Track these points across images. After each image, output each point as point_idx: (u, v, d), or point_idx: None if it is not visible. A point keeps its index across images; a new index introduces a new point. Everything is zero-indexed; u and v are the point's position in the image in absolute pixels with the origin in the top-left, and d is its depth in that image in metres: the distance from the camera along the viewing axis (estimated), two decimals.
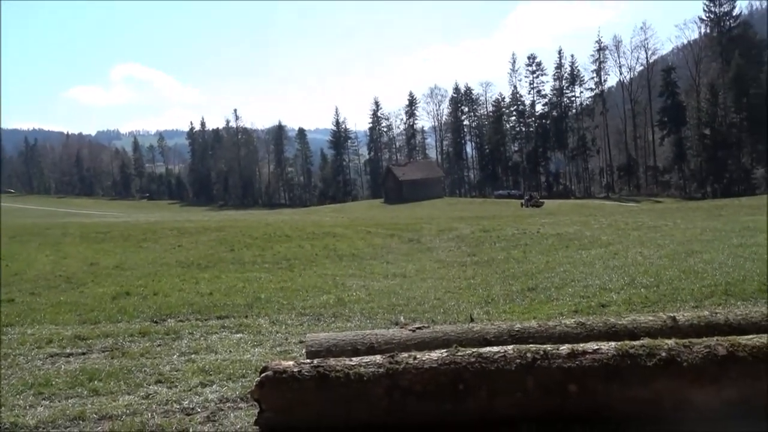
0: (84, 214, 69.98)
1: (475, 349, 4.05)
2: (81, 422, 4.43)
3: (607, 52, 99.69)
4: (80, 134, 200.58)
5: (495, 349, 4.03)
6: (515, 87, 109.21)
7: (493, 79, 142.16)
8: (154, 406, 4.74)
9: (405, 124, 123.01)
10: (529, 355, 3.94)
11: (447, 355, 3.98)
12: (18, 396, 5.14)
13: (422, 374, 3.89)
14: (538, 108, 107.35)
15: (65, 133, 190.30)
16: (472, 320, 5.75)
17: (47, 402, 4.98)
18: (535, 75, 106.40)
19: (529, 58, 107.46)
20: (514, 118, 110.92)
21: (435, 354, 4.03)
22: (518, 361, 3.90)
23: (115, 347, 6.90)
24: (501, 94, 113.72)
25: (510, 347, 4.05)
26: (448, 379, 3.86)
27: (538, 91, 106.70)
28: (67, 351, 6.79)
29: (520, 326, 4.87)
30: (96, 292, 11.35)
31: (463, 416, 3.90)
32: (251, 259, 16.59)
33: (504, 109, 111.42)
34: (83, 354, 6.68)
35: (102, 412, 4.59)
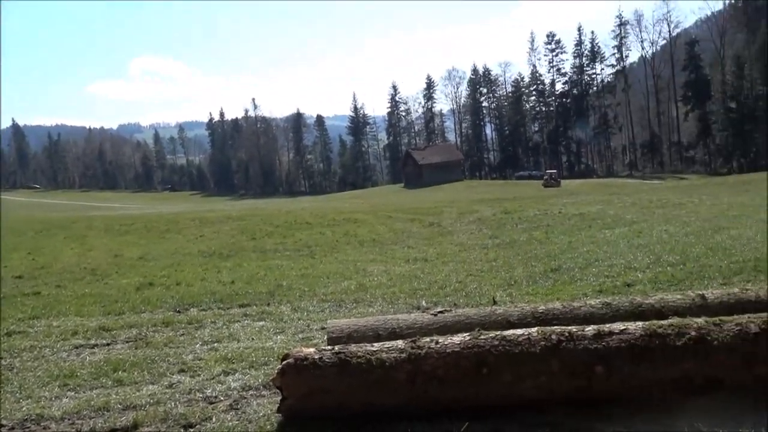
0: (107, 207, 70.97)
1: (498, 332, 3.97)
2: (106, 412, 4.45)
3: (628, 26, 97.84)
4: (102, 128, 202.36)
5: (519, 331, 3.95)
6: (534, 66, 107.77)
7: (511, 59, 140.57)
8: (177, 395, 4.75)
9: (423, 107, 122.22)
10: (554, 337, 3.85)
11: (470, 339, 3.91)
12: (44, 387, 5.18)
13: (445, 358, 3.82)
14: (559, 87, 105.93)
15: (87, 127, 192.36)
16: (494, 303, 5.66)
17: (72, 393, 5.02)
18: (554, 53, 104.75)
19: (548, 36, 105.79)
20: (534, 97, 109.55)
21: (457, 338, 3.96)
22: (543, 343, 3.82)
23: (138, 337, 6.95)
24: (520, 74, 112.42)
25: (534, 329, 3.97)
26: (471, 363, 3.79)
27: (558, 70, 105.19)
28: (92, 342, 6.85)
29: (544, 308, 4.78)
30: (120, 284, 11.46)
31: (487, 400, 3.84)
32: (272, 247, 16.64)
33: (523, 89, 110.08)
34: (107, 345, 6.73)
35: (126, 402, 4.61)
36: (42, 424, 4.35)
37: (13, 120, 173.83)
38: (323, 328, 6.73)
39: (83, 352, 6.42)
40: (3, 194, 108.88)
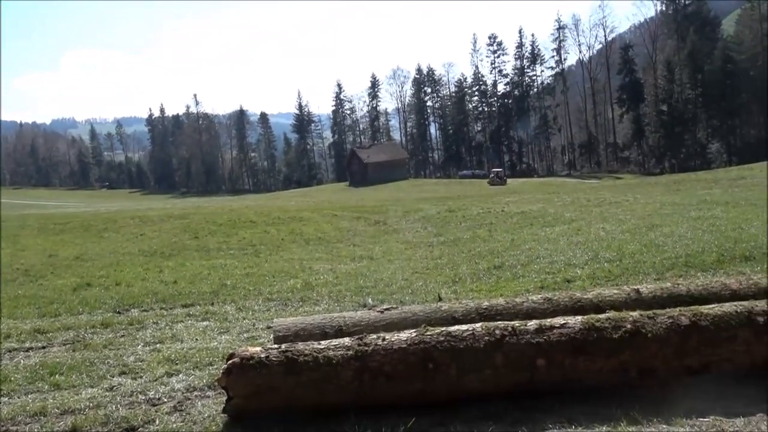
0: (41, 205, 68.06)
1: (443, 328, 4.04)
2: (42, 418, 4.29)
3: (566, 30, 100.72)
4: (34, 123, 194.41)
5: (463, 327, 4.03)
6: (477, 67, 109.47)
7: (455, 59, 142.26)
8: (118, 398, 4.62)
9: (368, 106, 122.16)
10: (497, 331, 3.95)
11: (416, 335, 3.96)
12: None
13: (391, 355, 3.87)
14: (500, 87, 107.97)
15: (18, 122, 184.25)
16: (440, 300, 5.75)
17: (6, 399, 4.82)
18: (496, 55, 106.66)
19: (489, 38, 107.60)
20: (476, 98, 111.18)
21: (404, 334, 4.01)
22: (487, 338, 3.91)
23: (76, 340, 6.72)
24: (463, 75, 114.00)
25: (478, 325, 4.06)
26: (417, 358, 3.85)
27: (500, 71, 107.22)
28: (27, 345, 6.58)
29: (488, 304, 4.89)
30: (56, 285, 11.05)
31: (433, 395, 3.90)
32: (216, 245, 16.37)
33: (466, 90, 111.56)
34: (43, 348, 6.48)
35: (64, 407, 4.46)
36: None
37: None
38: (269, 327, 6.67)
39: (17, 356, 6.17)
40: None
